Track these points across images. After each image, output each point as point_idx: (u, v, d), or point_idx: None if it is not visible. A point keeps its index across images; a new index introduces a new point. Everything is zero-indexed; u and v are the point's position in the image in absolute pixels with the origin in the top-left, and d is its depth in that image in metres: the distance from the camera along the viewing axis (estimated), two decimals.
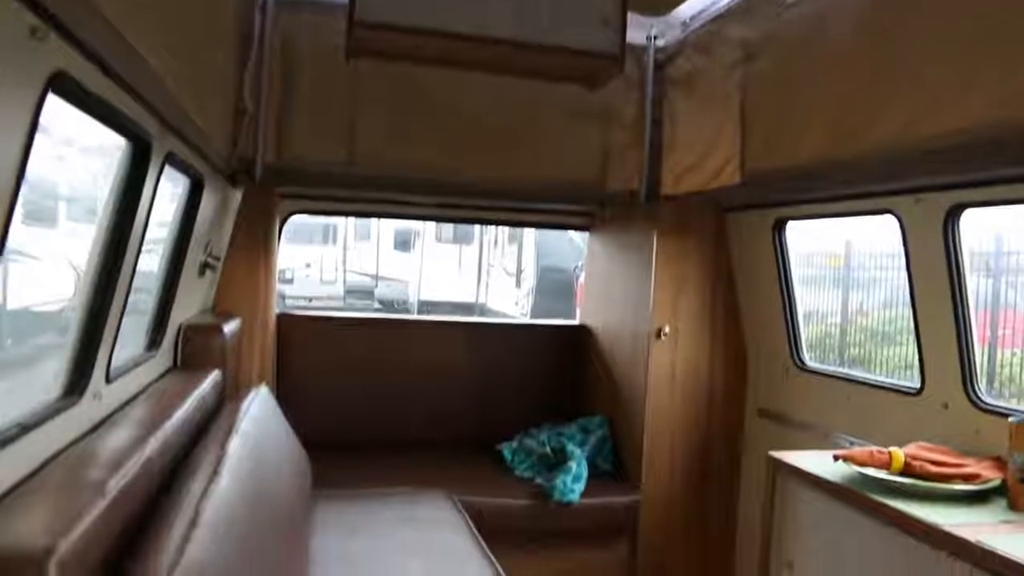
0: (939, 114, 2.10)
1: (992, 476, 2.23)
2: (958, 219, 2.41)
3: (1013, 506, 2.13)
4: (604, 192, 3.69)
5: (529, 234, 12.10)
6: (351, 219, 16.96)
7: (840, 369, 3.18)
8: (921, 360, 2.62)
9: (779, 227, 3.24)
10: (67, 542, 1.27)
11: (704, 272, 3.52)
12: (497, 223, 4.60)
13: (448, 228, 16.46)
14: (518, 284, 12.35)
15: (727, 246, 3.54)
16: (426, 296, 14.60)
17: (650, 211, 3.54)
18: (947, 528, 1.95)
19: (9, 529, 1.32)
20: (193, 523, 1.49)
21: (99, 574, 1.37)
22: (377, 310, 14.08)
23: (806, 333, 3.38)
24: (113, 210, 2.06)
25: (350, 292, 16.24)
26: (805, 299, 4.57)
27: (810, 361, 3.31)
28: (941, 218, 2.42)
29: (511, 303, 12.15)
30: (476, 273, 14.46)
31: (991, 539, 1.87)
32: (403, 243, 16.98)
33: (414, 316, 4.18)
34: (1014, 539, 1.87)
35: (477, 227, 15.78)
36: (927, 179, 2.45)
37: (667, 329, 3.47)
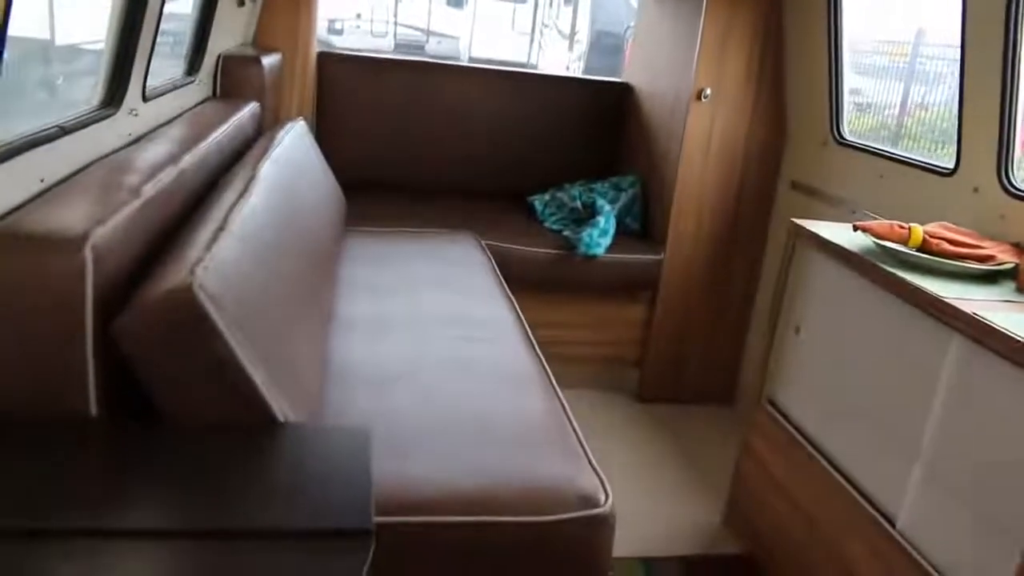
0: None
1: (1007, 260, 2.25)
2: None
3: (1021, 288, 2.16)
4: None
5: None
6: None
7: (877, 145, 3.13)
8: (959, 141, 2.57)
9: None
10: (102, 230, 1.37)
11: (754, 34, 3.39)
12: None
13: None
14: (571, 47, 11.98)
15: (780, 7, 3.39)
16: (477, 54, 14.24)
17: None
18: (949, 300, 2.00)
19: (49, 217, 1.42)
20: (221, 228, 1.58)
21: (132, 264, 1.48)
22: None
23: (860, 122, 3.29)
24: None
25: (400, 46, 15.86)
26: (865, 89, 4.41)
27: (849, 136, 3.25)
28: None
29: (563, 66, 11.83)
30: (529, 33, 14.02)
31: (989, 314, 1.91)
32: None
33: (458, 62, 4.10)
34: (1011, 316, 1.91)
35: None
36: None
37: (708, 91, 3.40)
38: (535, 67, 13.29)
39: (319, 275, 2.22)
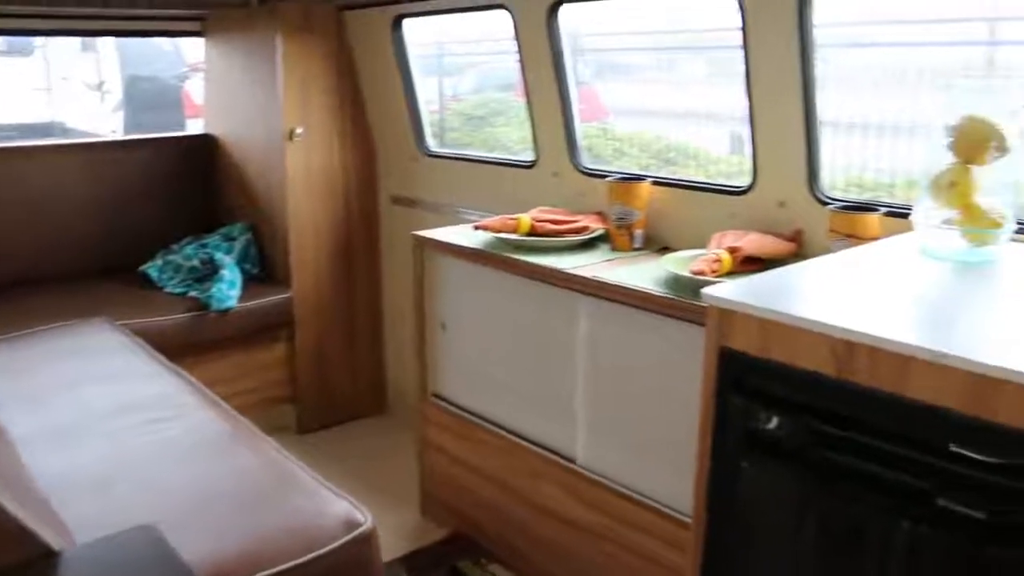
0: None
1: (597, 227, 2.76)
2: (557, 12, 2.79)
3: (614, 247, 2.68)
4: None
5: (107, 40, 10.91)
6: None
7: (463, 151, 3.56)
8: (535, 137, 3.06)
9: (398, 24, 3.44)
10: None
11: (329, 71, 3.64)
12: (95, 34, 4.27)
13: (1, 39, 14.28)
14: (102, 98, 11.28)
15: (349, 45, 3.67)
16: None
17: (270, 12, 3.55)
18: (568, 270, 2.44)
19: None
20: None
21: None
22: None
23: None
24: None
25: None
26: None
27: (435, 147, 3.64)
28: (545, 12, 2.78)
29: (98, 120, 11.10)
30: (46, 89, 12.91)
31: (602, 273, 2.38)
32: None
33: (24, 143, 3.75)
34: (618, 271, 2.41)
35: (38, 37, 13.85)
36: None
37: (299, 130, 3.59)
38: (62, 124, 12.31)
39: None
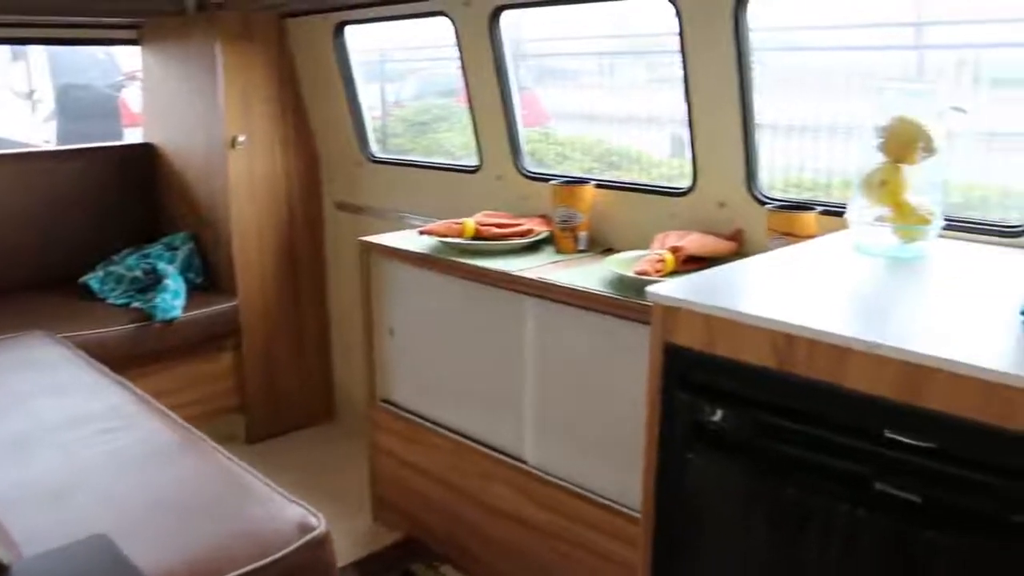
0: None
1: (541, 229, 2.80)
2: (499, 19, 2.82)
3: (559, 249, 2.72)
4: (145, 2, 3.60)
5: (37, 48, 10.63)
6: None
7: (407, 157, 3.57)
8: (478, 142, 3.09)
9: (340, 31, 3.44)
10: None
11: (271, 79, 3.62)
12: (26, 42, 4.18)
13: None
14: (34, 108, 11.00)
15: (291, 52, 3.66)
16: None
17: (208, 20, 3.52)
18: (514, 272, 2.47)
19: None
20: None
21: None
22: None
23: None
24: None
25: None
26: None
27: (378, 153, 3.65)
28: (486, 19, 2.82)
29: (29, 130, 10.82)
30: None
31: (547, 274, 2.42)
32: None
33: None
34: (563, 272, 2.44)
35: None
36: None
37: (242, 138, 3.56)
38: None
39: None
